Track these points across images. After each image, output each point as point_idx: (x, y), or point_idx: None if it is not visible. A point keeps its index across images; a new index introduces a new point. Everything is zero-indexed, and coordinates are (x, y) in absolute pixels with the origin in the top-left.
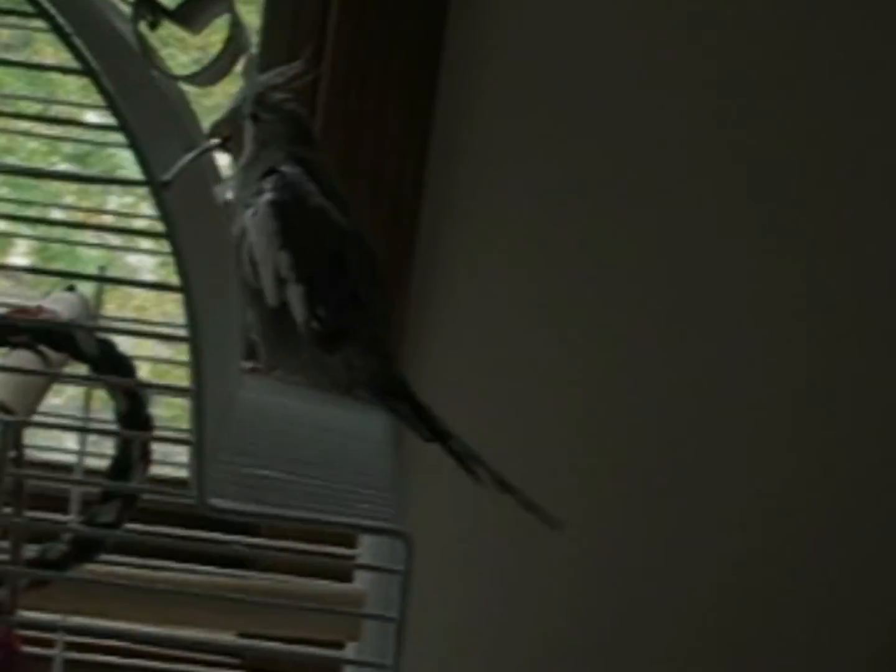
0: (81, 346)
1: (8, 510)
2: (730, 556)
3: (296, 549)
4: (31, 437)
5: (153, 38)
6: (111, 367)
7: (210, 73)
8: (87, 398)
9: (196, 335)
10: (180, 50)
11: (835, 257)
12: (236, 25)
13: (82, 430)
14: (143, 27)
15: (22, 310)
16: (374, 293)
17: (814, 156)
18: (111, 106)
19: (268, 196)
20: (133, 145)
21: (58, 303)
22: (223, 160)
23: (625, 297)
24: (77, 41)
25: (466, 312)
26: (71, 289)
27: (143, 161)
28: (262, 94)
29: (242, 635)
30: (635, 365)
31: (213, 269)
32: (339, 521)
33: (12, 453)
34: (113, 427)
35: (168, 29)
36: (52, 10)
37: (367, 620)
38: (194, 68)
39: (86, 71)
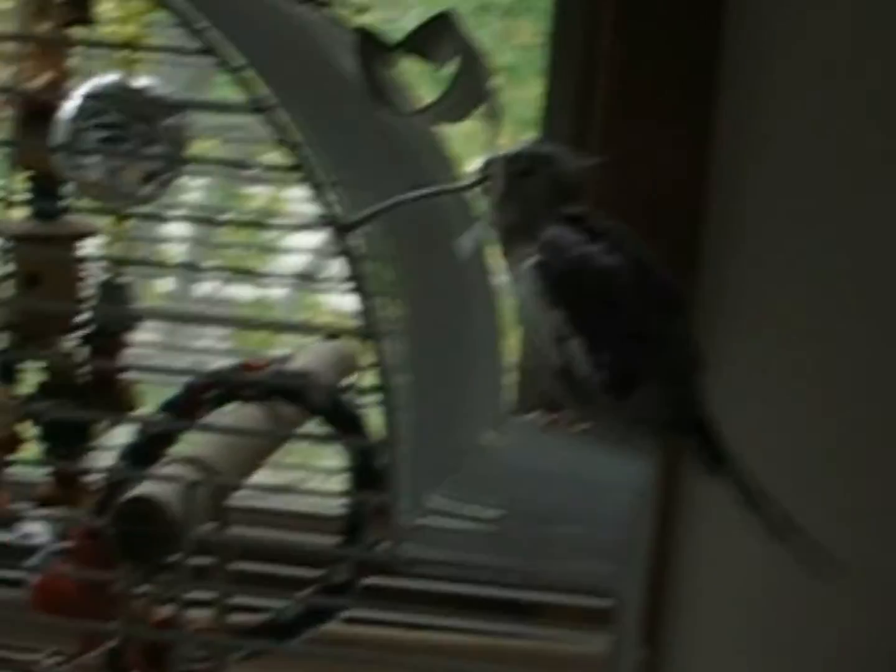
0: (312, 398)
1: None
2: None
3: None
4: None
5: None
6: (342, 421)
7: (445, 109)
8: None
9: (386, 384)
10: None
11: None
12: (468, 56)
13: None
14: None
15: (251, 363)
16: (666, 321)
17: None
18: (283, 142)
19: (531, 260)
20: (309, 182)
21: (307, 354)
22: None
23: None
24: (250, 76)
25: (751, 352)
26: (334, 336)
27: (323, 202)
28: (542, 154)
29: None
30: None
31: (435, 315)
32: (539, 573)
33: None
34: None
35: None
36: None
37: None
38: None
39: (253, 108)
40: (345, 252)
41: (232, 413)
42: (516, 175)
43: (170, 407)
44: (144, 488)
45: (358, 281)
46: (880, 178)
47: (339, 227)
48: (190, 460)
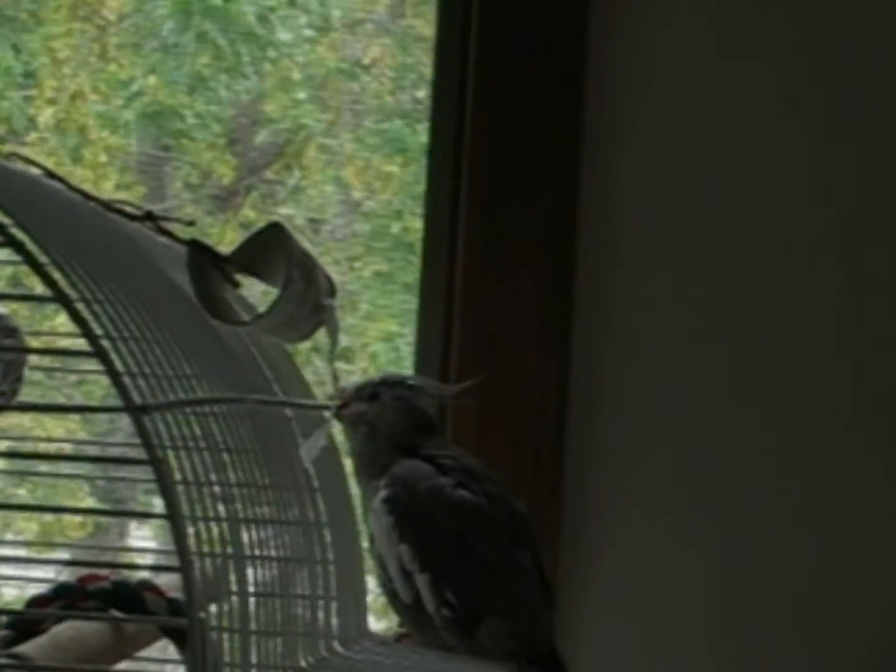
0: (150, 607)
1: None
2: None
3: None
4: None
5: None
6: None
7: (280, 323)
8: None
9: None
10: None
11: None
12: (301, 269)
13: None
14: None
15: (92, 576)
16: (514, 555)
17: None
18: (84, 332)
19: (380, 494)
20: (108, 369)
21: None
22: None
23: None
24: (57, 271)
25: (617, 571)
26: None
27: (118, 385)
28: (392, 380)
29: None
30: None
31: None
32: None
33: None
34: None
35: None
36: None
37: None
38: None
39: (56, 298)
40: (142, 435)
41: (64, 625)
42: (364, 401)
43: (11, 625)
44: None
45: (157, 468)
46: None
47: (136, 409)
48: (12, 655)
